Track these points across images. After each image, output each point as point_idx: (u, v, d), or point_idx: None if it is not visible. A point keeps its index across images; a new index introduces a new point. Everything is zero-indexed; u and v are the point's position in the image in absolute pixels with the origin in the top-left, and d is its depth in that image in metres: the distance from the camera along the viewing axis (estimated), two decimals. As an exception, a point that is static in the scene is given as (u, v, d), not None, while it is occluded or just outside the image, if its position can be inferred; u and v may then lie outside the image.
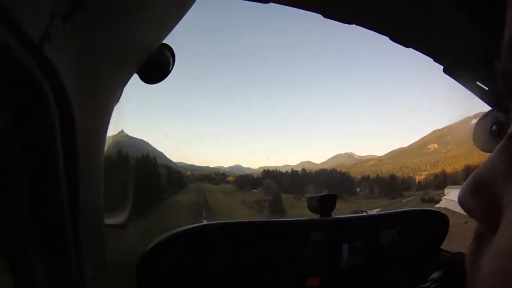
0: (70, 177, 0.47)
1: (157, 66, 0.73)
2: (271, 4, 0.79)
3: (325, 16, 0.83)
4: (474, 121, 1.10)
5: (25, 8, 0.37)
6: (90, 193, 0.57)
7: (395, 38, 0.92)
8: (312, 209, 1.33)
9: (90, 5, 0.47)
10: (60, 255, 0.47)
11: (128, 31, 0.60)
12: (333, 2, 0.81)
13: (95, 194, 0.60)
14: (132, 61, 0.67)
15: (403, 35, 0.92)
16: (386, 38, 0.92)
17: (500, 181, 0.22)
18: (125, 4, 0.56)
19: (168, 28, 0.70)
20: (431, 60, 1.01)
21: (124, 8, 0.56)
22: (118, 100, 0.78)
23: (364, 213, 1.50)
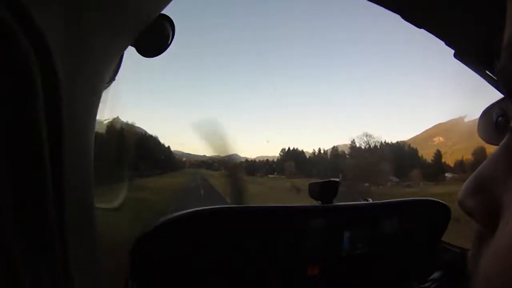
0: (55, 158, 0.42)
1: (155, 39, 0.68)
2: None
3: None
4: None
5: None
6: (78, 175, 0.53)
7: (408, 17, 0.87)
8: (313, 195, 1.30)
9: None
10: (43, 240, 0.44)
11: None
12: None
13: (84, 177, 0.56)
14: (127, 31, 0.62)
15: (416, 15, 0.88)
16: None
17: (500, 181, 0.22)
18: None
19: None
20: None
21: None
22: (114, 76, 0.73)
23: (365, 201, 1.48)
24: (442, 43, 0.98)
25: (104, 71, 0.60)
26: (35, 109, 0.39)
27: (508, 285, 0.18)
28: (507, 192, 0.21)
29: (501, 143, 0.23)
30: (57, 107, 0.42)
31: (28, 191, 0.41)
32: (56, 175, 0.43)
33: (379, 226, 1.35)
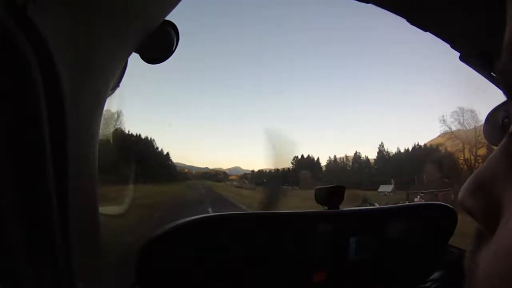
0: (58, 162, 0.42)
1: (158, 45, 0.68)
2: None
3: None
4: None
5: None
6: (83, 180, 0.53)
7: (413, 21, 0.87)
8: (319, 201, 1.29)
9: None
10: (47, 246, 0.43)
11: (127, 3, 0.55)
12: None
13: (88, 182, 0.56)
14: (131, 37, 0.62)
15: (422, 18, 0.88)
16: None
17: (500, 181, 0.22)
18: None
19: (171, 2, 0.65)
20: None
21: None
22: (118, 84, 0.73)
23: (372, 206, 1.47)
24: (445, 51, 0.99)
25: (109, 78, 0.60)
26: (37, 115, 0.39)
27: (509, 284, 0.18)
28: (507, 191, 0.21)
29: (501, 143, 0.23)
30: (61, 113, 0.42)
31: (32, 196, 0.40)
32: (59, 180, 0.43)
33: (385, 231, 1.33)
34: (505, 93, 0.24)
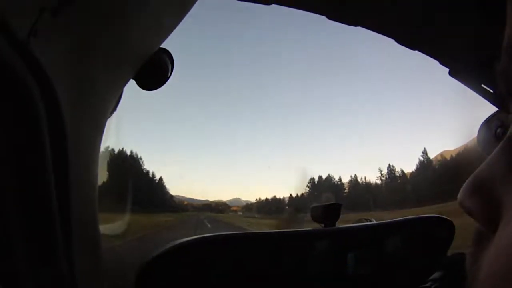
0: (60, 185, 0.43)
1: (154, 72, 0.70)
2: (273, 6, 0.77)
3: (330, 18, 0.81)
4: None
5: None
6: (83, 201, 0.54)
7: (401, 41, 0.89)
8: (316, 219, 1.29)
9: (81, 2, 0.44)
10: (51, 265, 0.44)
11: (123, 33, 0.57)
12: (338, 3, 0.79)
13: (89, 203, 0.57)
14: (128, 65, 0.63)
15: (409, 37, 0.90)
16: (391, 40, 0.90)
17: (500, 181, 0.22)
18: (120, 3, 0.53)
19: (166, 31, 0.67)
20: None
21: (120, 8, 0.53)
22: (115, 108, 0.74)
23: (369, 222, 1.47)
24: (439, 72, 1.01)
25: (107, 104, 0.62)
26: (40, 141, 0.40)
27: (509, 285, 0.18)
28: (506, 192, 0.21)
29: (500, 144, 0.23)
30: (61, 139, 0.43)
31: (36, 217, 0.41)
32: (62, 205, 0.44)
33: (383, 246, 1.33)
34: (504, 93, 0.24)
